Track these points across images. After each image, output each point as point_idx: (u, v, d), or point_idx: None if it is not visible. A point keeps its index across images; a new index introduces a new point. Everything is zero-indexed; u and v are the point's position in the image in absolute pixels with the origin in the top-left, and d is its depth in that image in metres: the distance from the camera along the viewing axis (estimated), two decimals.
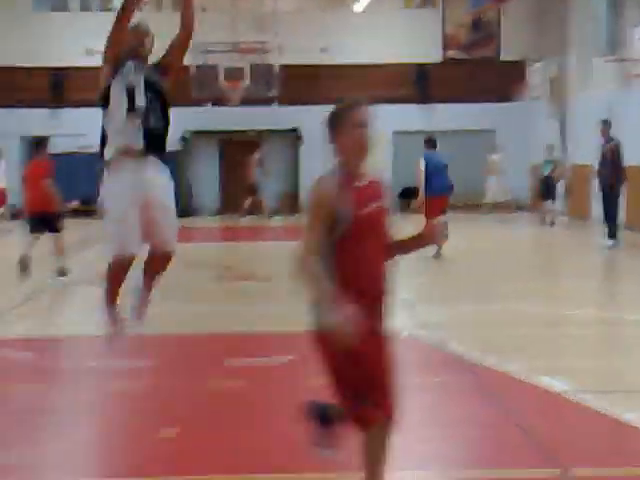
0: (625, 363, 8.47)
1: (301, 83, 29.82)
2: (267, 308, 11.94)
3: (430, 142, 18.36)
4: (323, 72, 30.68)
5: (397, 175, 29.96)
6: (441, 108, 30.19)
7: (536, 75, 29.75)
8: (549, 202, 24.23)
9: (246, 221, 26.39)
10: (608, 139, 19.42)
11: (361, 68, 30.54)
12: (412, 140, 30.04)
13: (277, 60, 28.23)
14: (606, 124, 19.69)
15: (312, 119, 29.76)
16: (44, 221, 14.80)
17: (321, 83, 30.52)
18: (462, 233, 22.65)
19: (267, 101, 28.99)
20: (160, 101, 6.86)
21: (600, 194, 19.55)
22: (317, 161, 29.36)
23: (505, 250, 19.72)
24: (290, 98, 29.39)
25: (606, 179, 19.17)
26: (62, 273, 14.67)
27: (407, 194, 30.11)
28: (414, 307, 11.50)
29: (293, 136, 30.58)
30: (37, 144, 16.50)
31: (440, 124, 29.76)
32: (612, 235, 18.73)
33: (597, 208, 24.30)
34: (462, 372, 8.23)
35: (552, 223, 23.81)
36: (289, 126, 30.38)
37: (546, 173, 24.36)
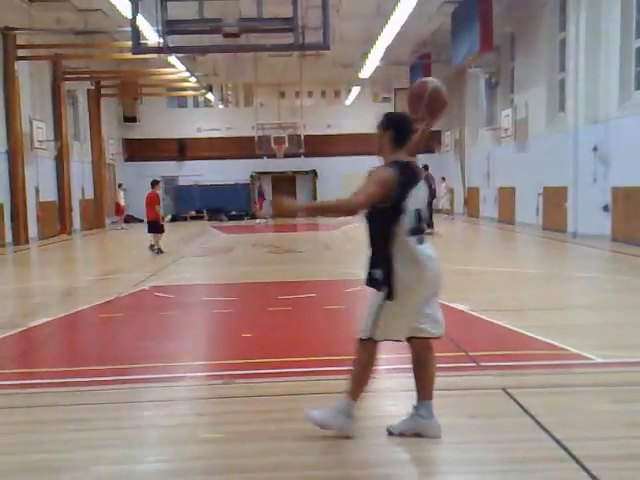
0: (498, 295, 8.29)
1: (316, 145, 29.50)
2: (301, 267, 11.75)
3: None
4: (328, 138, 30.37)
5: None
6: None
7: (447, 138, 29.33)
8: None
9: None
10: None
11: (349, 136, 30.26)
12: None
13: (303, 132, 28.08)
14: (424, 166, 18.81)
15: (323, 165, 30.04)
16: (152, 225, 14.55)
17: (327, 144, 30.25)
18: None
19: (298, 155, 28.89)
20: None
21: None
22: (326, 188, 29.41)
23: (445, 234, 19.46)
24: (310, 153, 29.27)
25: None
26: (159, 251, 14.37)
27: None
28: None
29: (312, 174, 30.51)
30: (152, 183, 15.12)
31: None
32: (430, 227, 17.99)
33: (484, 210, 24.16)
34: None
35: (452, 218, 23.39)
36: (310, 169, 30.30)
37: None
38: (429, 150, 30.27)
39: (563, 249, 14.14)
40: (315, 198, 30.39)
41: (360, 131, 30.15)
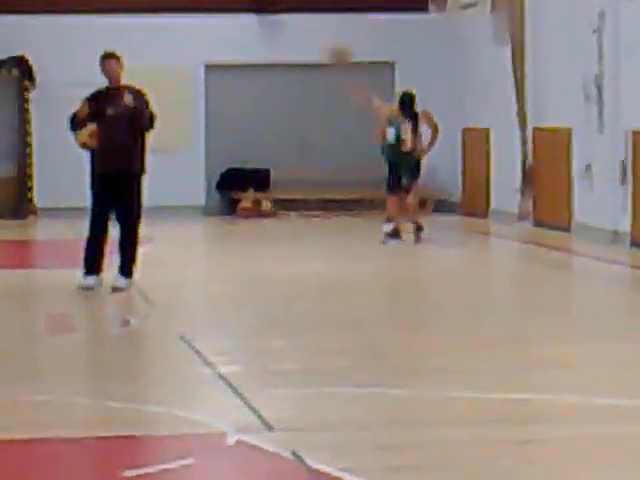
0: None
1: None
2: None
3: None
4: None
5: (215, 144, 26.41)
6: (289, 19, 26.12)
7: None
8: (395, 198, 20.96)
9: None
10: None
11: None
12: (246, 78, 26.71)
13: None
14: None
15: (53, 36, 26.26)
16: None
17: None
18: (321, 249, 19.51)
19: None
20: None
21: None
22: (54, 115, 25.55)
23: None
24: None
25: None
26: None
27: (234, 182, 25.76)
28: (245, 388, 9.07)
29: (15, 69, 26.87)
30: None
31: (291, 52, 26.49)
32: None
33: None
34: None
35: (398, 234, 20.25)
36: (13, 54, 25.95)
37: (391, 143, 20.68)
38: (409, 5, 26.82)
39: None
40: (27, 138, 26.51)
41: None
